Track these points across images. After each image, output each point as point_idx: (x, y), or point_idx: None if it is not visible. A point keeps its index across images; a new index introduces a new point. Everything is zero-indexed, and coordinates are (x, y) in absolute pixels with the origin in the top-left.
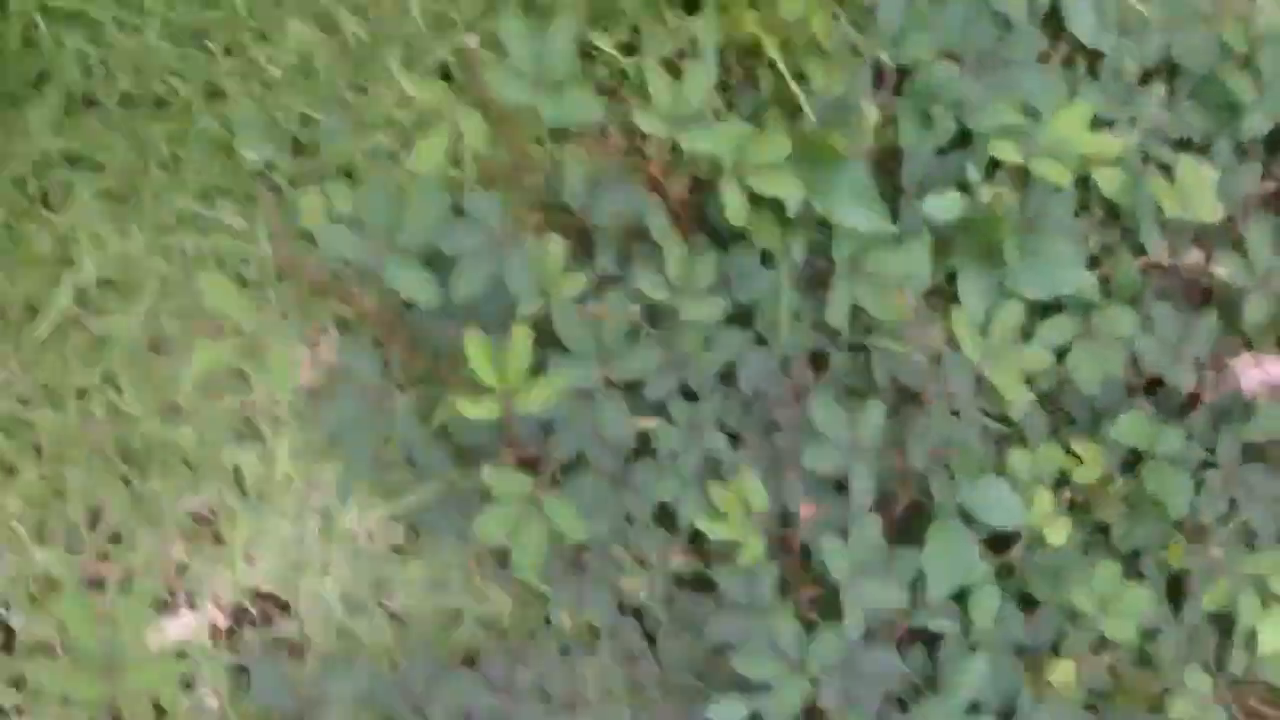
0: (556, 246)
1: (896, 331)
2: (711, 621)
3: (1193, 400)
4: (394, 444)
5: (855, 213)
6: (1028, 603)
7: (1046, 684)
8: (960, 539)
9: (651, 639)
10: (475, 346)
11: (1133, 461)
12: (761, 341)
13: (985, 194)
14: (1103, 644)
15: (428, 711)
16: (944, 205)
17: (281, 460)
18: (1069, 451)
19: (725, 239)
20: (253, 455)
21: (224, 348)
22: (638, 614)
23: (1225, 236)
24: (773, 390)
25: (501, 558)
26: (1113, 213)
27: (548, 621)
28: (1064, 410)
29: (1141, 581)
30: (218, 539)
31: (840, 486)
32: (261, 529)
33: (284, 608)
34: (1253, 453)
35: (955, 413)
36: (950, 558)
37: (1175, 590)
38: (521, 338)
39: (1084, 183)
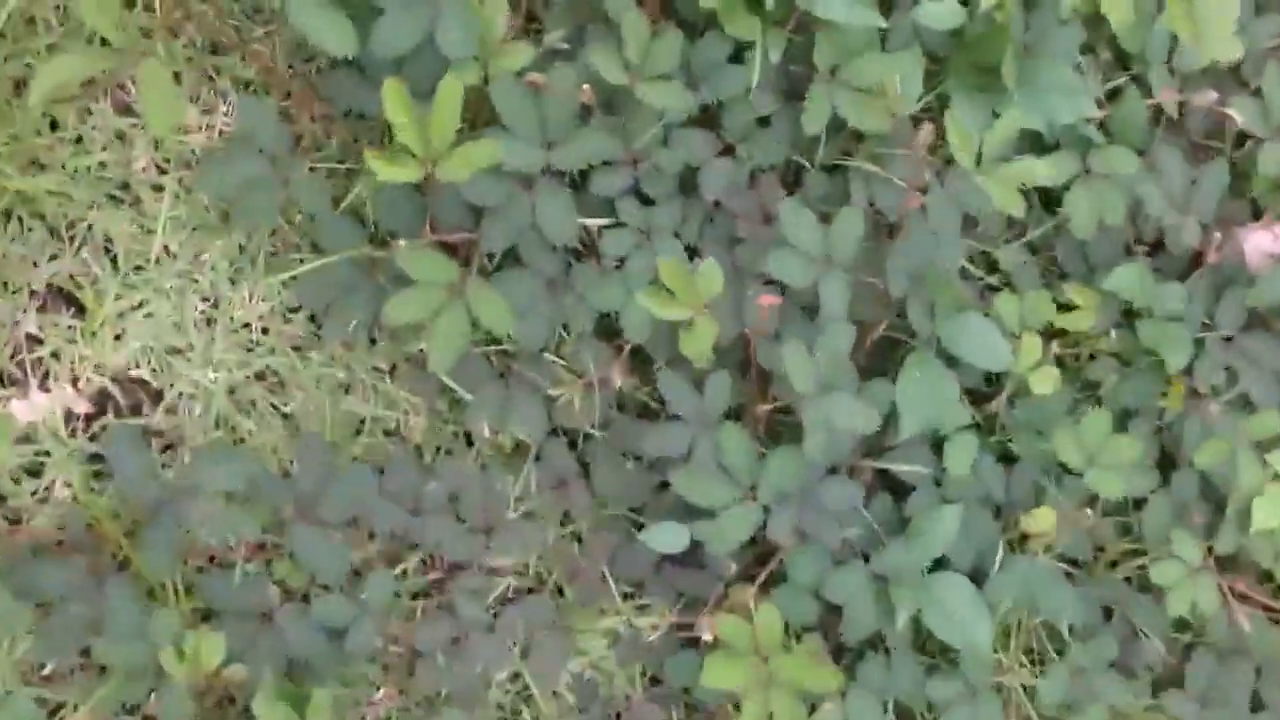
0: (499, 5)
1: (878, 152)
2: (651, 435)
3: (1194, 263)
4: (296, 222)
5: (840, 4)
6: (1008, 460)
7: (1022, 539)
8: (939, 373)
9: (584, 465)
10: (394, 96)
11: (1128, 322)
12: (728, 152)
13: (985, 1)
14: (1087, 504)
15: (316, 511)
16: (941, 13)
17: (162, 230)
18: (1061, 306)
19: (695, 31)
20: (126, 221)
21: (81, 61)
22: (569, 436)
23: (1237, 86)
24: (737, 204)
25: (418, 363)
26: (1121, 58)
27: (465, 438)
28: (1054, 265)
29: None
30: (80, 314)
31: (809, 311)
32: (133, 307)
33: (156, 397)
34: (1255, 321)
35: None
36: (927, 392)
37: (1165, 465)
38: (450, 94)
39: (1093, 22)
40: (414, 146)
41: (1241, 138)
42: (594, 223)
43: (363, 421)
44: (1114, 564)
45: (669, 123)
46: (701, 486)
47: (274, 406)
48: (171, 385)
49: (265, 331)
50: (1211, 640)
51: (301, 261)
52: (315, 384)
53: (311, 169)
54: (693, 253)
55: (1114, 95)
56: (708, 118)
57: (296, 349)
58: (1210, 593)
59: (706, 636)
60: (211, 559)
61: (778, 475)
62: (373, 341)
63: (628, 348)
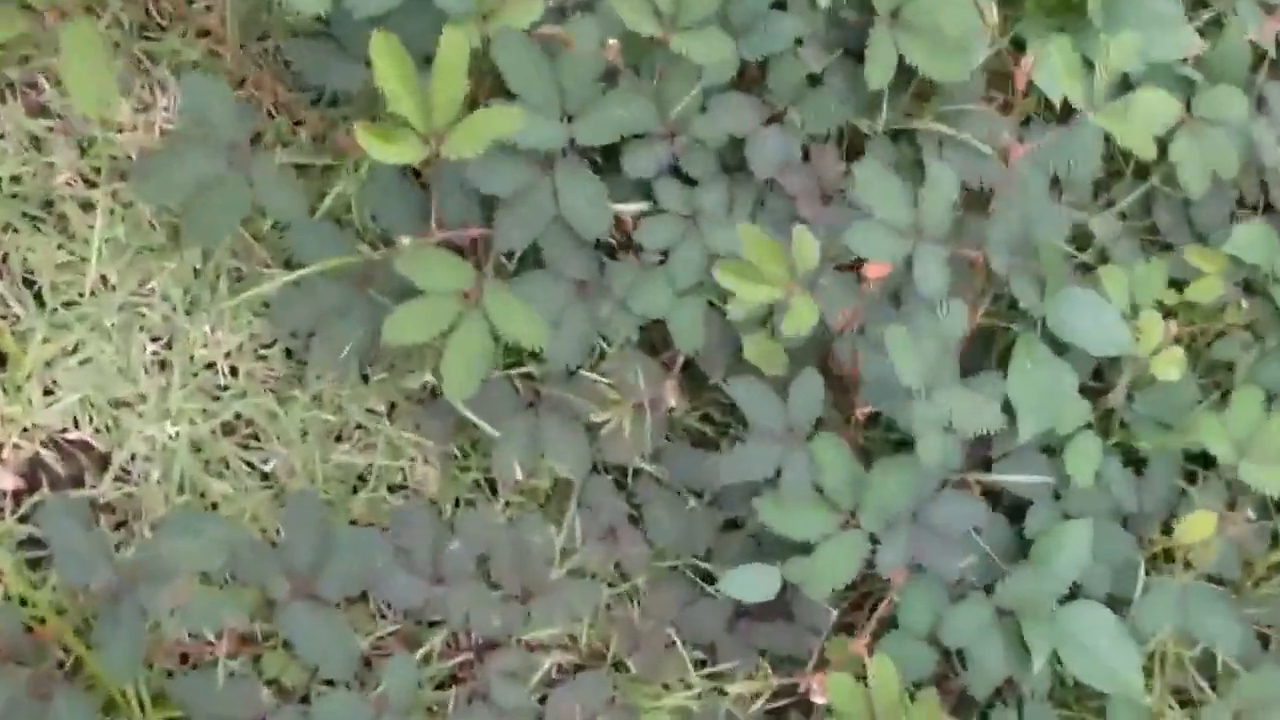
0: None
1: (947, 110)
2: (728, 460)
3: None
4: (263, 235)
5: None
6: (1132, 463)
7: (1161, 556)
8: (1052, 363)
9: (635, 507)
10: (387, 54)
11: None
12: (776, 119)
13: None
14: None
15: (314, 587)
16: None
17: (96, 256)
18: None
19: None
20: (51, 247)
21: None
22: (613, 472)
23: None
24: (793, 181)
25: (421, 398)
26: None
27: (487, 486)
28: (1153, 234)
29: None
30: (0, 363)
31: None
32: (66, 351)
33: (102, 462)
34: None
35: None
36: (1042, 385)
37: None
38: (455, 48)
39: None
40: (413, 119)
41: None
42: (629, 209)
43: (360, 476)
44: (1259, 580)
45: (708, 85)
46: (795, 515)
47: (249, 464)
48: (120, 445)
49: (234, 372)
50: None
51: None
52: (299, 433)
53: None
54: None
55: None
56: (749, 80)
57: (273, 391)
58: None
59: (819, 699)
60: (184, 658)
61: (885, 494)
62: (364, 379)
63: (680, 360)
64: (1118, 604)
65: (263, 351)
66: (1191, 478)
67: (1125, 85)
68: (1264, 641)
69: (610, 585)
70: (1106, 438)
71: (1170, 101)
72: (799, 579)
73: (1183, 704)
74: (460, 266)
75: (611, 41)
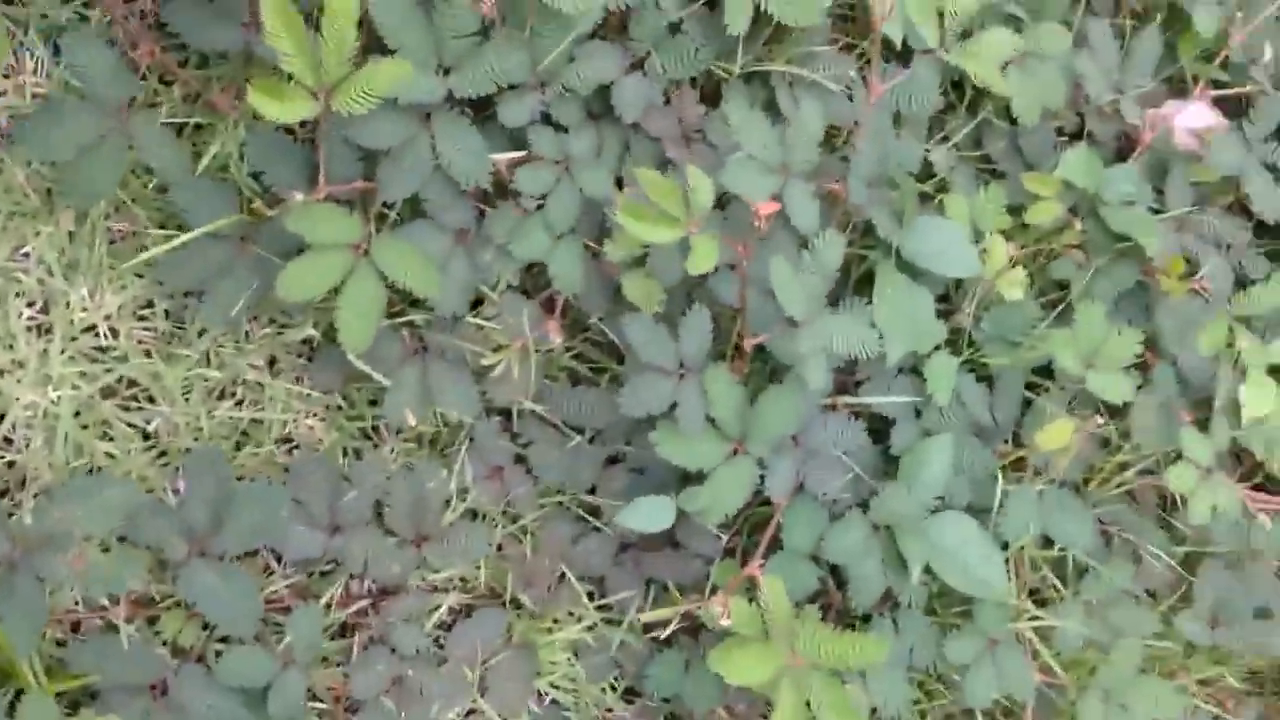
0: None
1: (799, 52)
2: (627, 395)
3: (1129, 146)
4: (140, 196)
5: None
6: (980, 379)
7: (1014, 465)
8: (911, 289)
9: (521, 445)
10: (277, 11)
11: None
12: (638, 66)
13: None
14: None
15: (211, 544)
16: None
17: None
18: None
19: None
20: None
21: None
22: (502, 415)
23: None
24: (657, 124)
25: (303, 350)
26: None
27: (371, 435)
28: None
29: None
30: None
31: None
32: None
33: None
34: (1200, 199)
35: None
36: (904, 309)
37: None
38: (343, 5)
39: None
40: (304, 77)
41: (1144, 14)
42: (505, 157)
43: (244, 431)
44: (1102, 483)
45: (575, 35)
46: (690, 446)
47: (132, 425)
48: (1, 414)
49: (114, 334)
50: (1219, 550)
51: (145, 247)
52: (182, 392)
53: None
54: (615, 183)
55: None
56: (611, 29)
57: (155, 352)
58: (1230, 494)
59: (725, 622)
60: (75, 626)
61: (771, 421)
62: (245, 335)
63: (561, 301)
64: (979, 513)
65: (143, 312)
66: (1034, 390)
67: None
68: (1106, 539)
69: (501, 525)
70: (957, 356)
71: (1011, 38)
72: (694, 507)
73: (1039, 603)
74: (348, 220)
75: None
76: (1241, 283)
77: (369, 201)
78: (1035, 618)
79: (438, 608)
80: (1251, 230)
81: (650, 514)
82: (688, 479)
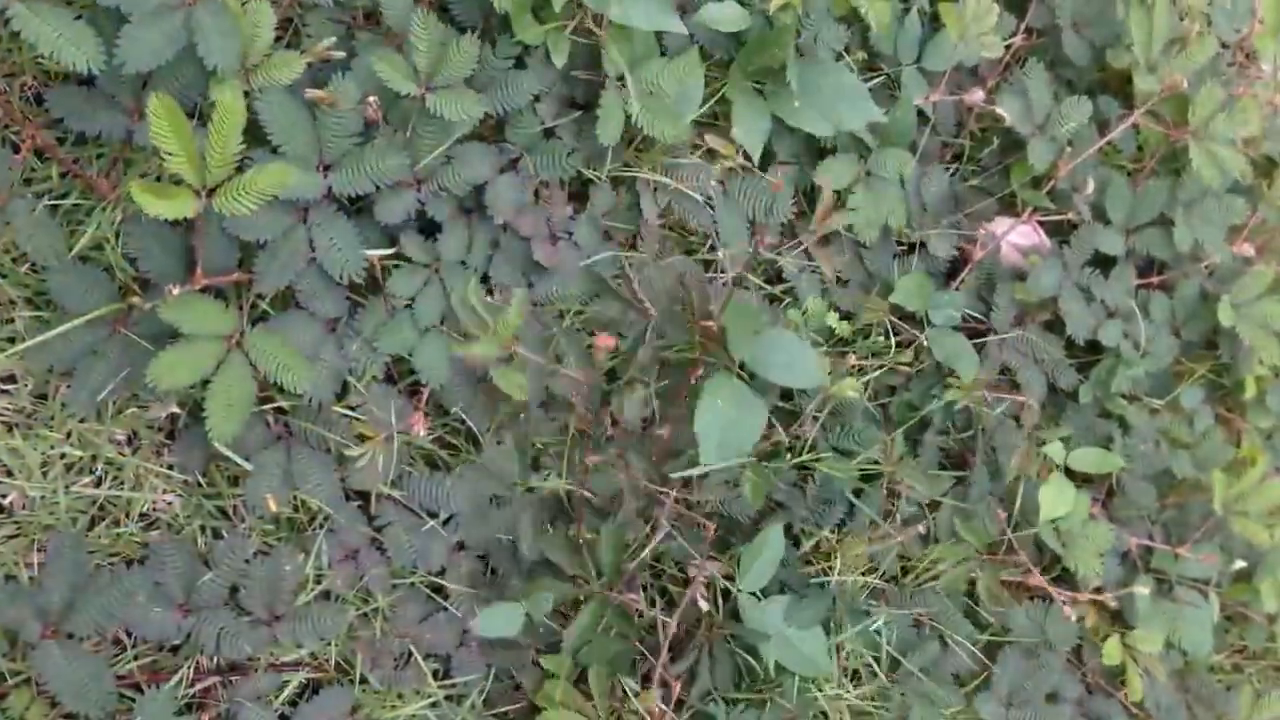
0: (263, 10)
1: (667, 161)
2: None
3: (962, 261)
4: (9, 273)
5: (641, 10)
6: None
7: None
8: (747, 397)
9: (377, 528)
10: (165, 115)
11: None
12: (512, 166)
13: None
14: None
15: (68, 626)
16: (725, 15)
17: None
18: (840, 313)
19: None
20: None
21: None
22: (360, 498)
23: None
24: (526, 224)
25: (164, 426)
26: (872, 59)
27: (229, 515)
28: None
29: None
30: None
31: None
32: None
33: None
34: (1021, 316)
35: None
36: (731, 419)
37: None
38: (230, 109)
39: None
40: (188, 176)
41: (983, 137)
42: (379, 254)
43: (100, 506)
44: (921, 573)
45: (456, 136)
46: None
47: None
48: None
49: None
50: (1016, 639)
51: (12, 320)
52: (40, 468)
53: (36, 195)
54: (484, 279)
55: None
56: (487, 129)
57: (16, 426)
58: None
59: None
60: None
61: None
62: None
63: (426, 392)
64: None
65: (5, 387)
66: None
67: (812, 142)
68: (919, 627)
69: (354, 605)
70: (794, 455)
71: (853, 162)
72: (540, 613)
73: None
74: (223, 313)
75: (372, 99)
76: (1053, 389)
77: (243, 291)
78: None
79: (286, 685)
80: (1064, 345)
81: (502, 621)
82: (534, 569)
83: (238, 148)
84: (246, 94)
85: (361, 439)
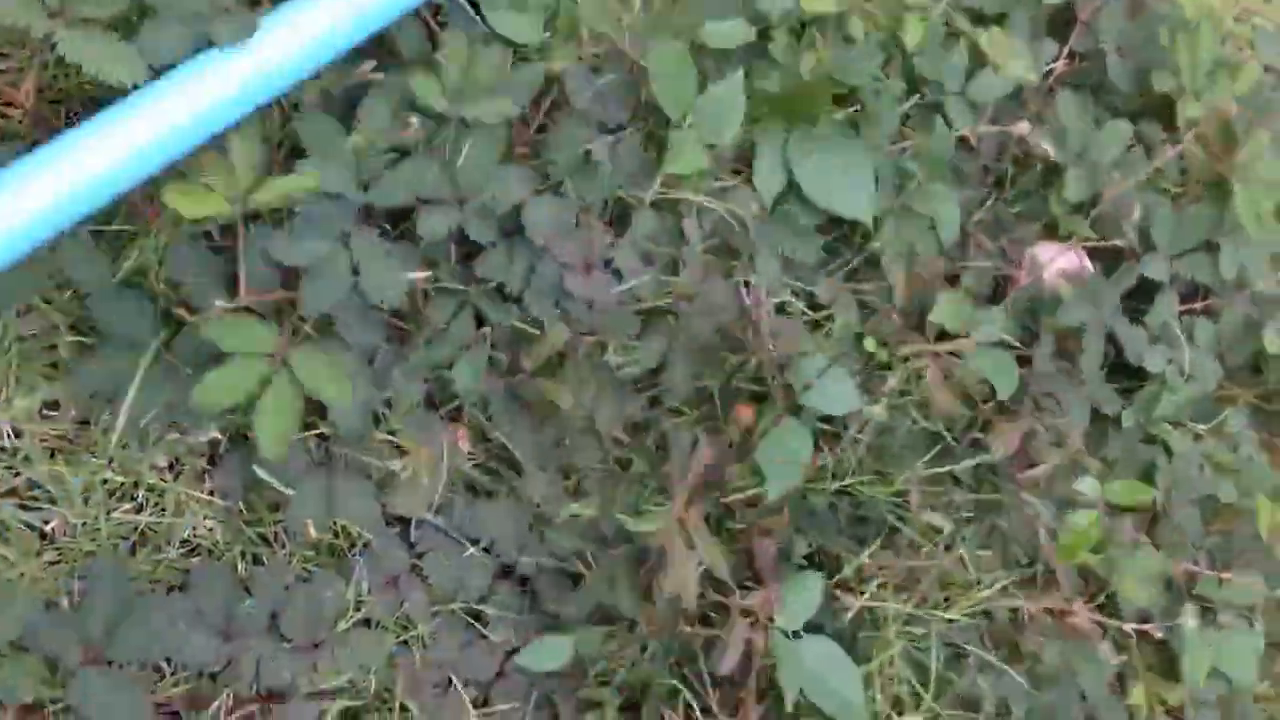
0: None
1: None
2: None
3: (1004, 286)
4: (53, 300)
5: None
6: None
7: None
8: (796, 425)
9: (417, 555)
10: None
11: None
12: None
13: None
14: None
15: (109, 653)
16: (726, 32)
17: None
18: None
19: None
20: None
21: None
22: (400, 523)
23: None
24: (563, 249)
25: (205, 452)
26: (911, 85)
27: (270, 541)
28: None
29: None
30: None
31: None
32: None
33: None
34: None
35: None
36: (787, 447)
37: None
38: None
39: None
40: (218, 184)
41: (1026, 161)
42: (420, 275)
43: (142, 533)
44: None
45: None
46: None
47: (29, 526)
48: None
49: (18, 435)
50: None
51: (55, 347)
52: (83, 495)
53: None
54: (518, 301)
55: (907, 119)
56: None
57: (59, 452)
58: None
59: None
60: None
61: None
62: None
63: (468, 411)
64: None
65: (49, 413)
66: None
67: None
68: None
69: (394, 633)
70: (835, 479)
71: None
72: (590, 649)
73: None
74: (267, 329)
75: (414, 119)
76: (1096, 414)
77: (285, 313)
78: None
79: (325, 714)
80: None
81: (550, 654)
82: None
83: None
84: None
85: (404, 459)
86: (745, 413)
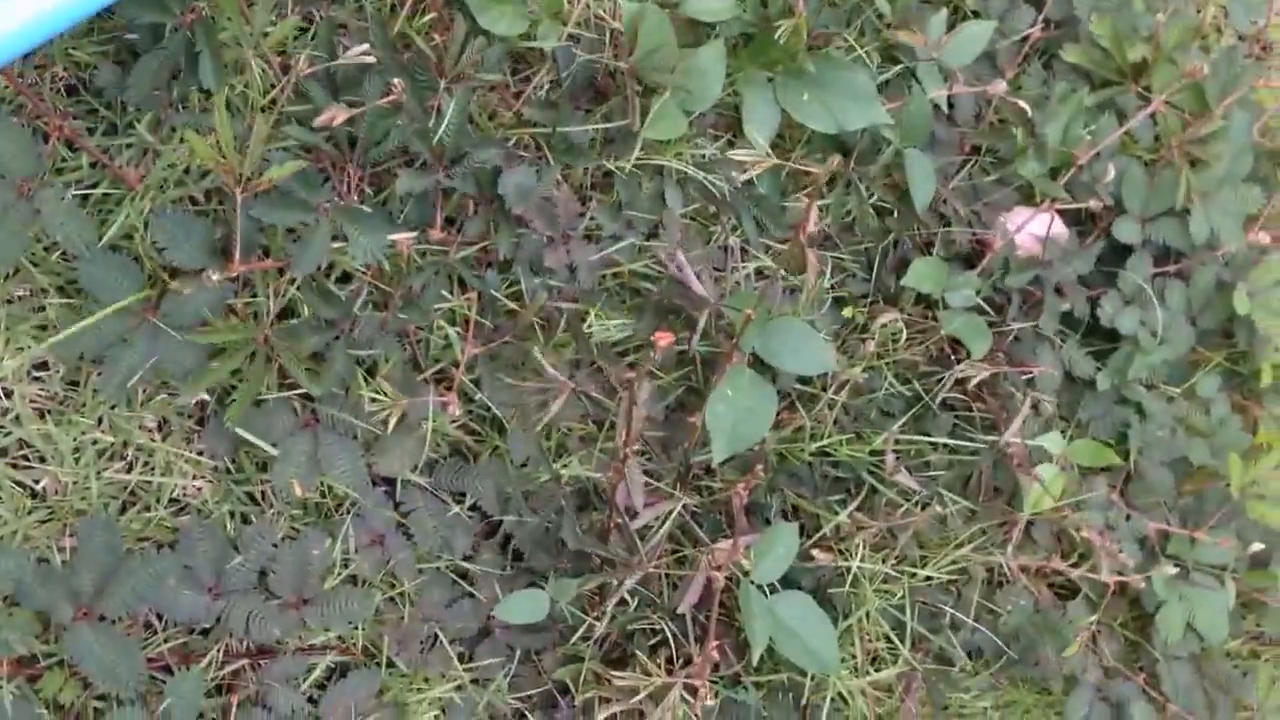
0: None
1: (690, 151)
2: None
3: (979, 252)
4: (42, 261)
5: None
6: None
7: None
8: (760, 385)
9: (403, 513)
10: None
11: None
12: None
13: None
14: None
15: (100, 608)
16: (709, 7)
17: None
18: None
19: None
20: None
21: None
22: (386, 483)
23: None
24: (542, 213)
25: (200, 418)
26: (885, 52)
27: (257, 500)
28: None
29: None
30: None
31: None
32: None
33: None
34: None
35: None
36: (744, 408)
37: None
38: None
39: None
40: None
41: (1001, 128)
42: (403, 237)
43: (131, 492)
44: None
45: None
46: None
47: (20, 484)
48: None
49: (8, 395)
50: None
51: (44, 308)
52: (73, 453)
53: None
54: (505, 265)
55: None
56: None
57: (49, 413)
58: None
59: None
60: None
61: None
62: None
63: (456, 377)
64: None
65: (38, 374)
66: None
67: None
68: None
69: (381, 590)
70: (813, 440)
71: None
72: (565, 597)
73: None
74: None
75: (396, 80)
76: (1070, 377)
77: (270, 279)
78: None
79: (314, 668)
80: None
81: (526, 607)
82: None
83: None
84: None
85: (386, 424)
86: (664, 339)
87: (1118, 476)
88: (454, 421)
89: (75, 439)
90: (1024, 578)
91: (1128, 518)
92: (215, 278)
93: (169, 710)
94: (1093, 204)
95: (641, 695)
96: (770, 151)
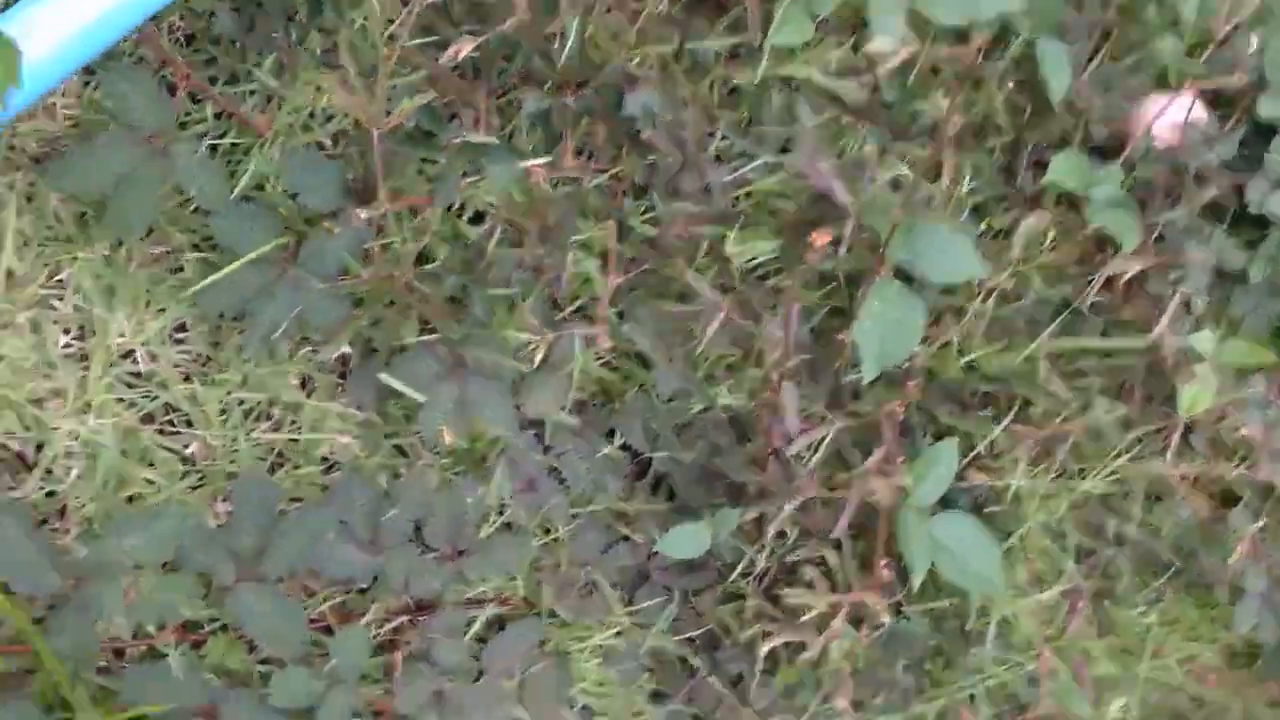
0: None
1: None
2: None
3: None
4: (177, 219)
5: None
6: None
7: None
8: (906, 296)
9: (555, 457)
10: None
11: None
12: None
13: None
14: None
15: (257, 568)
16: None
17: (13, 250)
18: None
19: None
20: None
21: None
22: (534, 426)
23: None
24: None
25: (342, 369)
26: None
27: (409, 450)
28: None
29: None
30: None
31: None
32: None
33: (21, 462)
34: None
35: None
36: (891, 322)
37: None
38: None
39: None
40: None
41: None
42: (537, 163)
43: (280, 452)
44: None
45: None
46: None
47: (170, 450)
48: (42, 444)
49: (153, 359)
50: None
51: (182, 268)
52: (219, 415)
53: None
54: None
55: None
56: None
57: (194, 375)
58: None
59: None
60: (119, 653)
61: None
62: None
63: (605, 297)
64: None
65: (179, 336)
66: None
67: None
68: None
69: (536, 537)
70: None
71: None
72: (728, 527)
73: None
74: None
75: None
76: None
77: (404, 220)
78: None
79: (474, 621)
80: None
81: (689, 541)
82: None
83: None
84: None
85: (532, 363)
86: (821, 238)
87: (1273, 375)
88: (599, 359)
89: (221, 400)
90: (1182, 488)
91: None
92: (363, 215)
93: (335, 669)
94: (1235, 79)
95: (809, 616)
96: (900, 49)
